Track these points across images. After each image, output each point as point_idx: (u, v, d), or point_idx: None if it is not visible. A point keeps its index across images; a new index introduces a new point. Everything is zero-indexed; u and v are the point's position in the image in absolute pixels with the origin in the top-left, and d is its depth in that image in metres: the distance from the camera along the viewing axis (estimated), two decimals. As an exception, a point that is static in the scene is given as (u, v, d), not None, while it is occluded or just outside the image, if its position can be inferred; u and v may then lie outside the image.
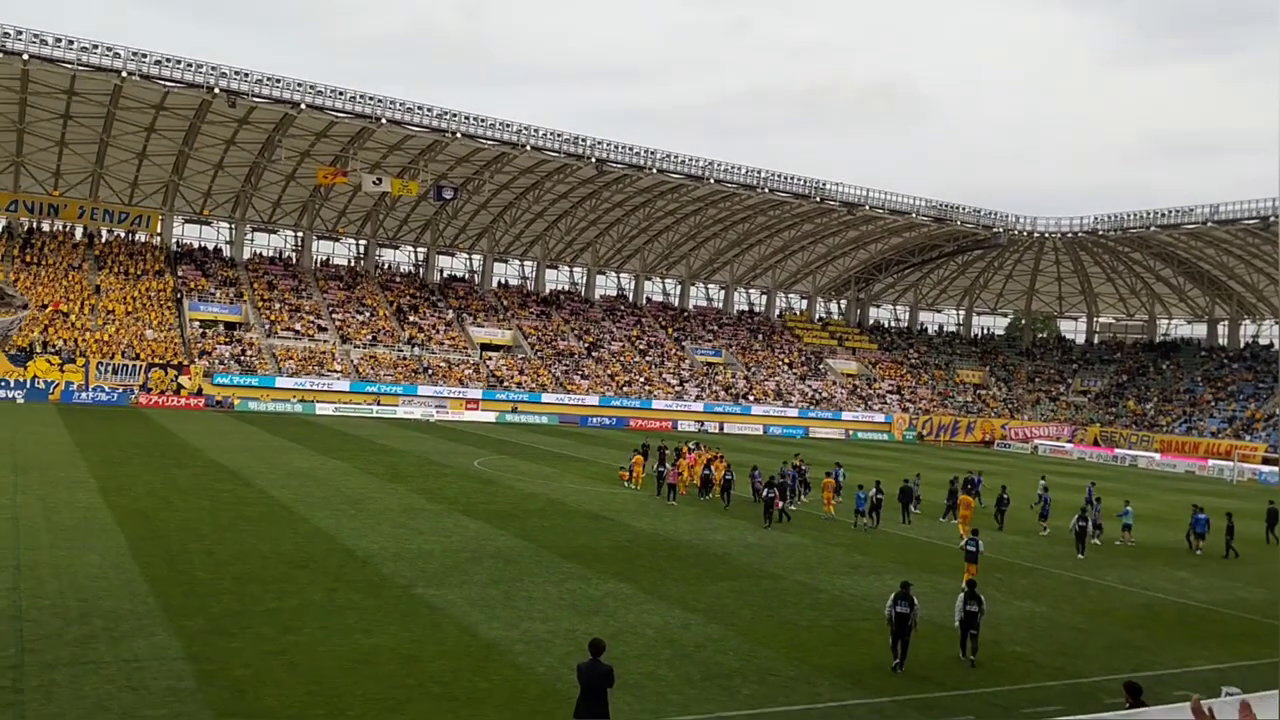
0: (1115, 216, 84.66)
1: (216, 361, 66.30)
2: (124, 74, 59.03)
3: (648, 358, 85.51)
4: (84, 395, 60.09)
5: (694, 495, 35.07)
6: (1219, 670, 16.89)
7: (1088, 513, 29.64)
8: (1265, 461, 70.10)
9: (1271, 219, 73.18)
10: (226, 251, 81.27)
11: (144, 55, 59.59)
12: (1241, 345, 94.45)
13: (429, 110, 67.27)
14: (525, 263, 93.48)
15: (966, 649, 16.67)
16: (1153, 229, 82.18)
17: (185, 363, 64.47)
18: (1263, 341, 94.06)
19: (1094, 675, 16.31)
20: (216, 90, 61.23)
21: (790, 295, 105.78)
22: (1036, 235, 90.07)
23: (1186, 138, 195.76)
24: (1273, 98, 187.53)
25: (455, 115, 67.98)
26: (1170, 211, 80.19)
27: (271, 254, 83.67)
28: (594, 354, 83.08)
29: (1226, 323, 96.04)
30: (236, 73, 61.82)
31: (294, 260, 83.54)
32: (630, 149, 73.60)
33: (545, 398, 73.70)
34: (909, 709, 13.96)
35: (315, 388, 66.65)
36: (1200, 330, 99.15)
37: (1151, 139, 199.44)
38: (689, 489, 35.57)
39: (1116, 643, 18.66)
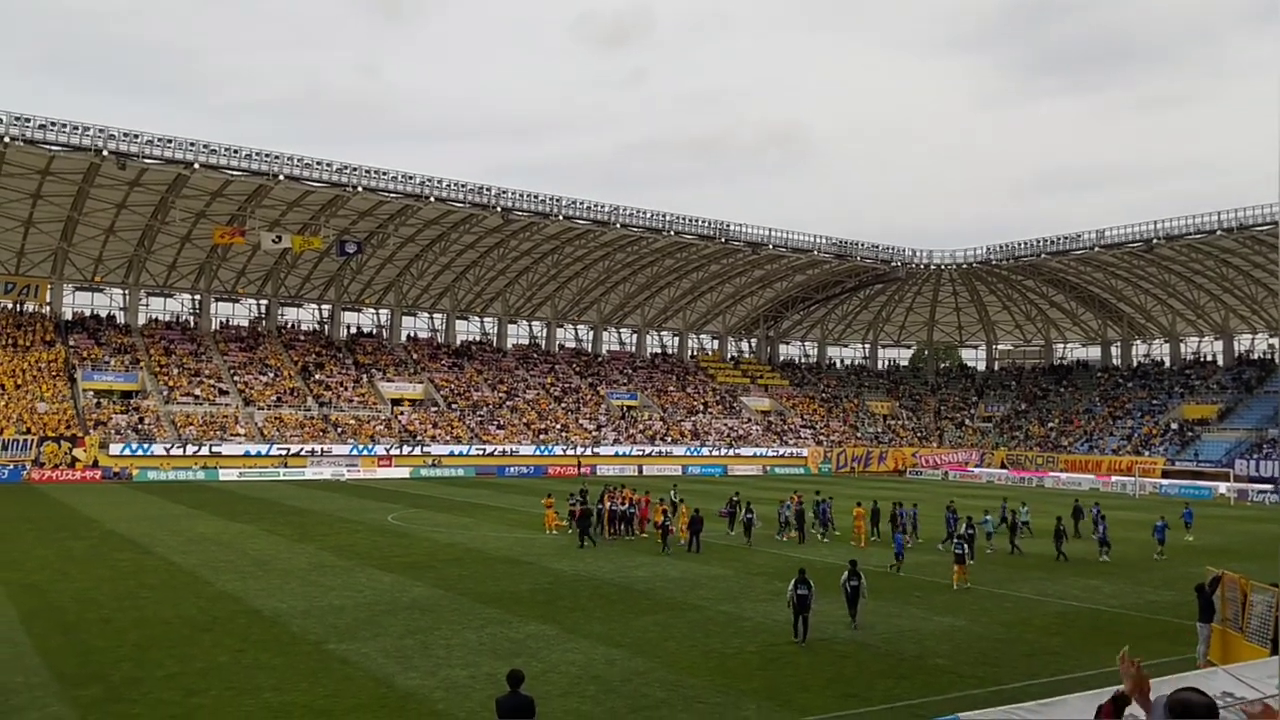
0: (1007, 246, 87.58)
1: (113, 431, 63.79)
2: (6, 139, 57.02)
3: (563, 404, 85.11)
4: (-30, 473, 57.10)
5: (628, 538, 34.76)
6: (1134, 668, 17.19)
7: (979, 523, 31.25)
8: (1164, 475, 72.63)
9: (1155, 241, 76.55)
10: (120, 318, 78.64)
11: (27, 120, 57.69)
12: (1134, 364, 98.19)
13: (328, 165, 66.47)
14: (435, 315, 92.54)
15: (799, 631, 18.78)
16: (1043, 256, 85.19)
17: (79, 434, 61.88)
18: (1153, 360, 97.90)
19: (1016, 681, 16.48)
20: (105, 153, 59.51)
21: (702, 336, 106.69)
22: (933, 267, 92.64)
23: (1067, 170, 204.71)
24: (1138, 131, 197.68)
25: (356, 169, 67.29)
26: (1059, 239, 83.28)
27: (168, 318, 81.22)
28: (509, 403, 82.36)
29: (1119, 344, 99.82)
30: (125, 134, 60.21)
31: (192, 324, 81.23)
32: (535, 197, 73.73)
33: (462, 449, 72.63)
34: (837, 726, 13.87)
35: (217, 453, 64.53)
36: (1094, 352, 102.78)
37: (1035, 173, 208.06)
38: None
39: (1035, 650, 18.94)
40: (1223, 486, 65.84)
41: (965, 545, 26.88)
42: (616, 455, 78.03)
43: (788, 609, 19.43)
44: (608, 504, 36.10)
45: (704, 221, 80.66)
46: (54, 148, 59.02)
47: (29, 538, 32.64)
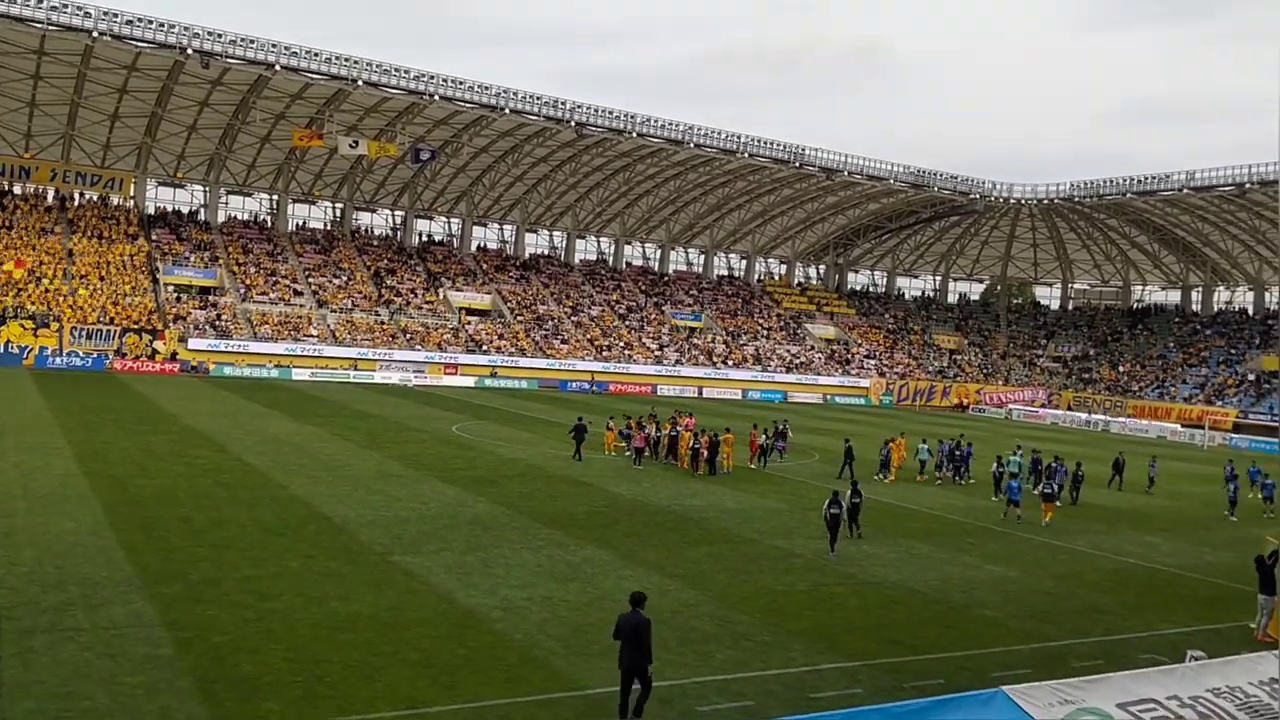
0: (1091, 183, 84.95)
1: (191, 326, 65.77)
2: (94, 34, 58.00)
3: (627, 322, 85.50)
4: (58, 360, 59.48)
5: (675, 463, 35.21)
6: (1185, 634, 17.22)
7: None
8: (1236, 428, 71.03)
9: (1247, 185, 73.65)
10: (201, 215, 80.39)
11: (115, 15, 58.51)
12: (1215, 311, 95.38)
13: (406, 72, 66.50)
14: (504, 226, 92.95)
15: (832, 546, 21.55)
16: (1129, 195, 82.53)
17: (160, 327, 63.92)
18: (1235, 307, 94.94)
19: (1063, 639, 16.60)
20: (189, 51, 60.28)
21: (770, 260, 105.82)
22: (1013, 201, 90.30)
23: (1162, 102, 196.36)
24: (1250, 63, 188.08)
25: (433, 77, 67.26)
26: (1147, 178, 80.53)
27: (246, 217, 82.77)
28: (574, 318, 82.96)
29: (1200, 289, 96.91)
30: (209, 33, 60.83)
31: (269, 224, 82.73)
32: (610, 113, 73.08)
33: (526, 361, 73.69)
34: (881, 672, 14.19)
35: (291, 352, 66.30)
36: (1174, 296, 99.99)
37: (1128, 104, 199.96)
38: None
39: (1086, 607, 18.98)
40: (1296, 443, 64.25)
41: (1054, 486, 28.68)
42: (677, 376, 78.40)
43: (823, 525, 22.22)
44: (659, 429, 36.45)
45: (779, 145, 79.36)
46: (140, 44, 59.91)
47: (112, 429, 34.12)
